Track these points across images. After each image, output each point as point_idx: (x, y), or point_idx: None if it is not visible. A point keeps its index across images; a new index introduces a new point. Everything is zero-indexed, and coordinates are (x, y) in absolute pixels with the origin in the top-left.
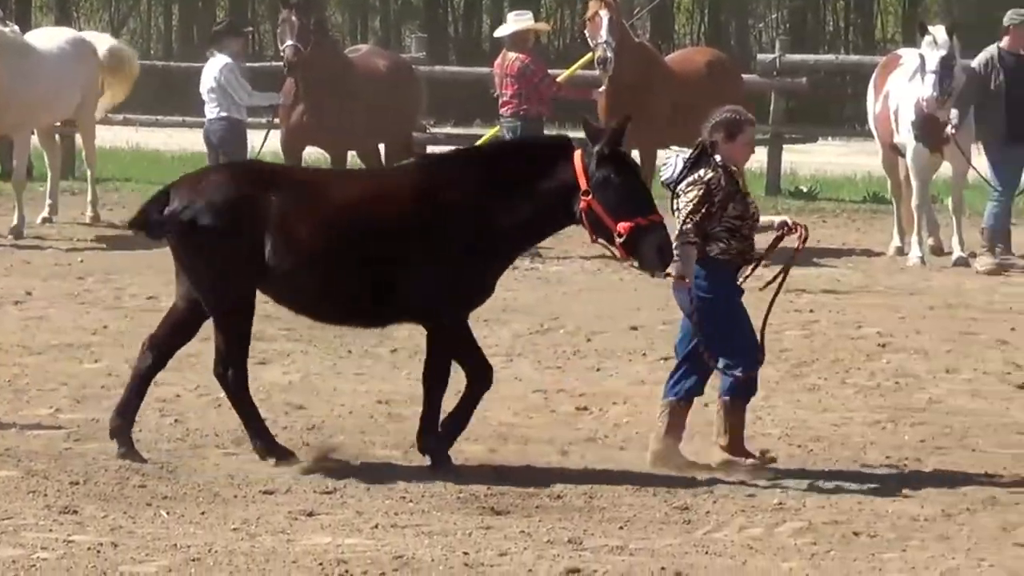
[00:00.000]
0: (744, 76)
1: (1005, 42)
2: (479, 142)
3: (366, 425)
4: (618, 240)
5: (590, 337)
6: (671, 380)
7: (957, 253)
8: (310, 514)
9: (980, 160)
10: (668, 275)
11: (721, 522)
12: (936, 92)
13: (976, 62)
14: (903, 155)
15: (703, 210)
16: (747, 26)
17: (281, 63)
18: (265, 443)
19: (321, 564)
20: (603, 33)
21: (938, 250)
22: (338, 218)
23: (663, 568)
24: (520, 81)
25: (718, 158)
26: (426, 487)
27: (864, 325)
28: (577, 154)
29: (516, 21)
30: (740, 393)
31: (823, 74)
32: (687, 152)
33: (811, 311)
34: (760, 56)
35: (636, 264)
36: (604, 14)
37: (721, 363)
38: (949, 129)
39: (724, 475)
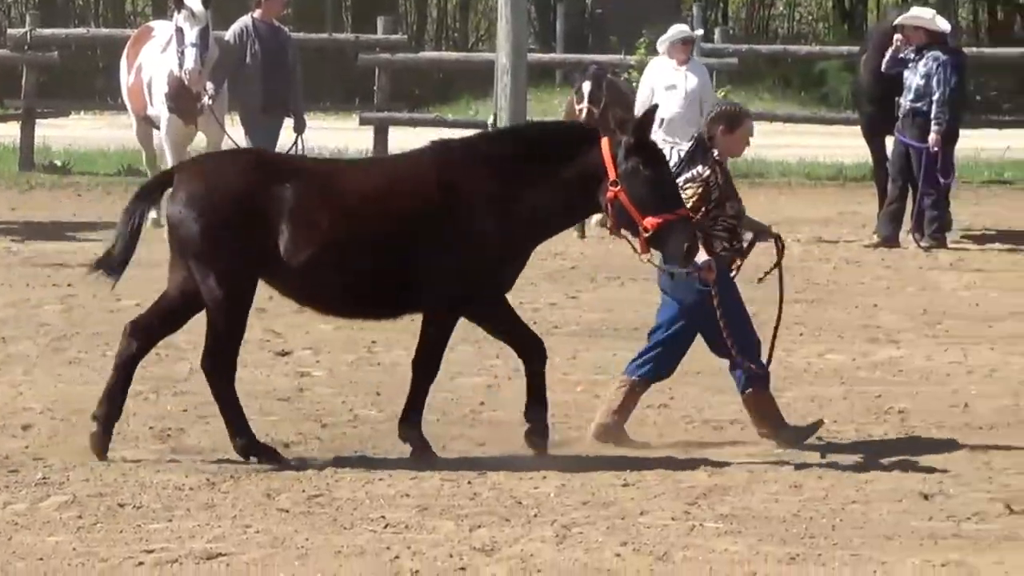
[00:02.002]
0: None
1: (258, 12)
2: None
3: None
4: (643, 235)
5: None
6: (637, 359)
7: None
8: None
9: (236, 130)
10: (691, 273)
11: None
12: (197, 65)
13: (230, 33)
14: (157, 127)
15: (701, 208)
16: None
17: None
18: (246, 440)
19: None
20: None
21: None
22: (355, 207)
23: None
24: None
25: (715, 152)
26: None
27: (123, 298)
28: (604, 142)
29: None
30: (757, 382)
31: (74, 48)
32: (682, 144)
33: (70, 285)
34: (11, 31)
35: (653, 260)
36: None
37: (736, 355)
38: (205, 100)
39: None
